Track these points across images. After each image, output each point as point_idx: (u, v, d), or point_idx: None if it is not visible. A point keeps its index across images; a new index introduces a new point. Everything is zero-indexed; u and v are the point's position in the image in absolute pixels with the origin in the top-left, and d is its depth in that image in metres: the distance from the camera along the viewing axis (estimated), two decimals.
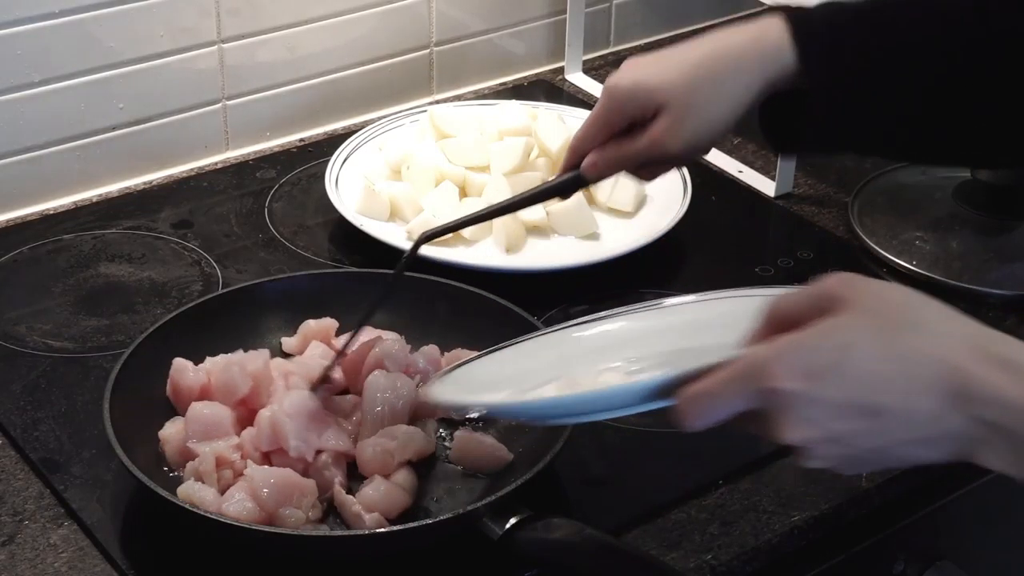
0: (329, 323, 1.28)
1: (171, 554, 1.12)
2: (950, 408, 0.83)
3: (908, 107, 1.15)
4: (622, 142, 1.18)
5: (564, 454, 1.13)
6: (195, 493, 1.10)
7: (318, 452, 1.15)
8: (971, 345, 0.84)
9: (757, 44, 1.14)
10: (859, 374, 0.84)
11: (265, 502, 1.09)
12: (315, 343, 1.27)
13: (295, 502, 1.10)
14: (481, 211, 1.26)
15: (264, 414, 1.15)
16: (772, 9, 1.16)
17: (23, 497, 1.18)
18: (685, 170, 1.55)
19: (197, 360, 1.22)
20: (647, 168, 1.22)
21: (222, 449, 1.14)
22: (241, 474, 1.13)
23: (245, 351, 1.25)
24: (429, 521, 1.09)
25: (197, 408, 1.17)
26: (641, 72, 1.17)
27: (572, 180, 1.22)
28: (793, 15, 1.14)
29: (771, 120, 1.18)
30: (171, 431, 1.17)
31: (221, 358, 1.22)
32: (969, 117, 1.16)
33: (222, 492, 1.11)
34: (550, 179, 1.27)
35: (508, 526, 1.07)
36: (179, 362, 1.21)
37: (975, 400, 0.83)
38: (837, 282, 0.87)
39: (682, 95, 1.14)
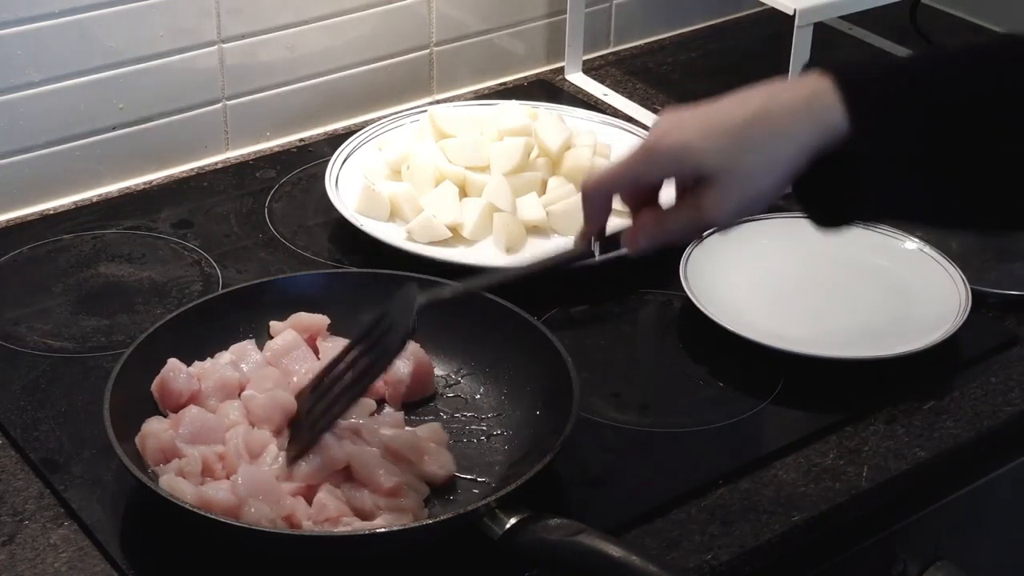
0: (320, 319, 1.28)
1: (171, 554, 1.12)
2: None
3: (965, 173, 1.04)
4: (662, 216, 1.08)
5: (564, 454, 1.13)
6: (177, 485, 1.10)
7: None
8: None
9: (809, 106, 1.03)
10: None
11: (238, 488, 1.10)
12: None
13: (266, 499, 1.10)
14: (493, 278, 1.21)
15: None
16: (822, 65, 1.05)
17: (23, 497, 1.18)
18: None
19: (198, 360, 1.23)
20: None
21: (208, 453, 1.14)
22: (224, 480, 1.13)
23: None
24: (429, 521, 1.09)
25: (194, 412, 1.17)
26: (687, 133, 1.05)
27: (600, 248, 1.12)
28: (843, 73, 1.04)
29: (811, 191, 1.07)
30: (156, 427, 1.16)
31: (213, 369, 1.23)
32: None
33: None
34: (568, 248, 1.17)
35: (508, 526, 1.07)
36: (173, 363, 1.21)
37: None
38: None
39: (731, 164, 1.04)
